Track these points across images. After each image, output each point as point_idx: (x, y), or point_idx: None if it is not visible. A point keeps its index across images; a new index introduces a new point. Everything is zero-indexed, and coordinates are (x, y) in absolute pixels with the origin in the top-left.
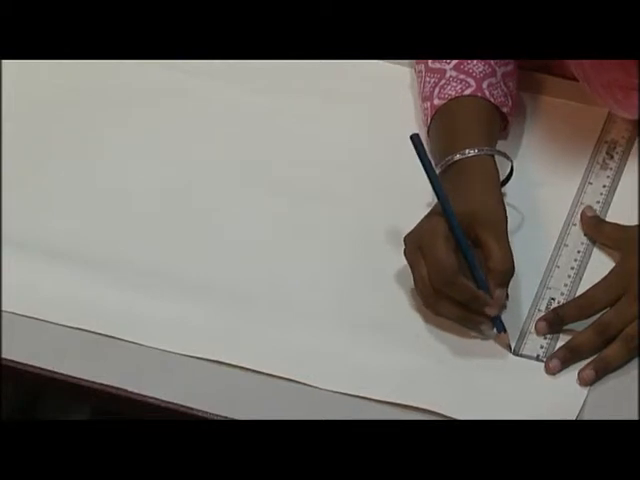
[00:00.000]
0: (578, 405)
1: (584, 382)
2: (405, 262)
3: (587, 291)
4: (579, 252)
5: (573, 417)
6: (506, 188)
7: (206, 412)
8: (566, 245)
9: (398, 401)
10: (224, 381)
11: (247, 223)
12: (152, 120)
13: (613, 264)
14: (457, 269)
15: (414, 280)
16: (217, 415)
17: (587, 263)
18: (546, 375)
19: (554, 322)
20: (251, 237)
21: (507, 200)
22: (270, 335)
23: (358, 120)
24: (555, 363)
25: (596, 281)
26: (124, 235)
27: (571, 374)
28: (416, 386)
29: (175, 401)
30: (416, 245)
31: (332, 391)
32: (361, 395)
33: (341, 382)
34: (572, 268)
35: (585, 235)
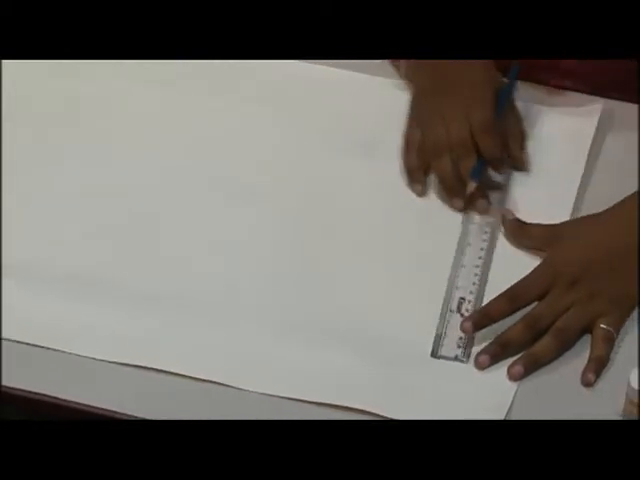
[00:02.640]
0: (507, 403)
1: (513, 378)
2: (351, 266)
3: (514, 285)
4: (482, 249)
5: (502, 416)
6: None
7: (130, 415)
8: (469, 244)
9: (327, 401)
10: (150, 385)
11: (209, 229)
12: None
13: (517, 259)
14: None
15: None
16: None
17: (491, 261)
18: (472, 373)
19: (479, 321)
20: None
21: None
22: (198, 339)
23: (344, 125)
24: (484, 358)
25: (501, 278)
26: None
27: (500, 371)
28: (343, 386)
29: (98, 405)
30: None
31: (263, 393)
32: (291, 397)
33: (271, 384)
34: (477, 266)
35: (507, 239)
